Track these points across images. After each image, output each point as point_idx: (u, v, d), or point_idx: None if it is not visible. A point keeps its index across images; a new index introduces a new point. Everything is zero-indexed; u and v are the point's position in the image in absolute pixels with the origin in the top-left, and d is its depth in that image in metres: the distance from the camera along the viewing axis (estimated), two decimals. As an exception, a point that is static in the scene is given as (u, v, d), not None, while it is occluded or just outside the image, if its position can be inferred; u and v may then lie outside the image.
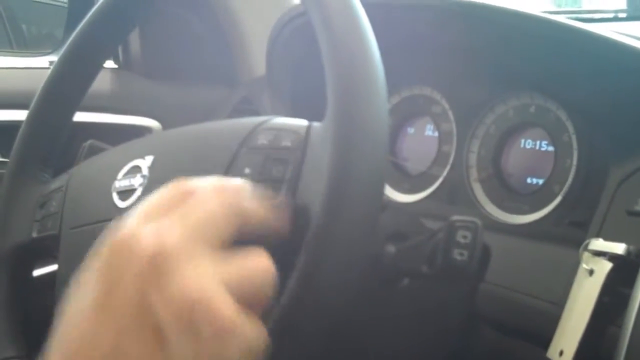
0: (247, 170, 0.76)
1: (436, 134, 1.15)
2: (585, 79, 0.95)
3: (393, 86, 1.18)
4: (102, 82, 1.45)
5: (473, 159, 1.09)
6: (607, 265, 0.82)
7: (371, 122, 0.69)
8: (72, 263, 0.87)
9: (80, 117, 1.07)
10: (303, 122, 0.77)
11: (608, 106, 0.94)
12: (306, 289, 0.69)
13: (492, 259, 0.97)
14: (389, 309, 0.93)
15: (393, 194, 1.17)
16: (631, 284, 0.79)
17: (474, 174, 1.09)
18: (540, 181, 1.03)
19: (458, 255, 0.76)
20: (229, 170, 0.77)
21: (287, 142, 0.75)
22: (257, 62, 1.44)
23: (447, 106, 1.13)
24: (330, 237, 0.68)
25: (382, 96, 0.71)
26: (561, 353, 0.84)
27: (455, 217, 0.77)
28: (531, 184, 1.04)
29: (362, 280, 0.80)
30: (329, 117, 0.71)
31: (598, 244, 0.84)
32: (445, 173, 1.11)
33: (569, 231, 0.94)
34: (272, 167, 0.75)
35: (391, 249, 0.87)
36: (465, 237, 0.76)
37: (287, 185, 0.74)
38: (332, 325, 0.72)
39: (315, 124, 0.76)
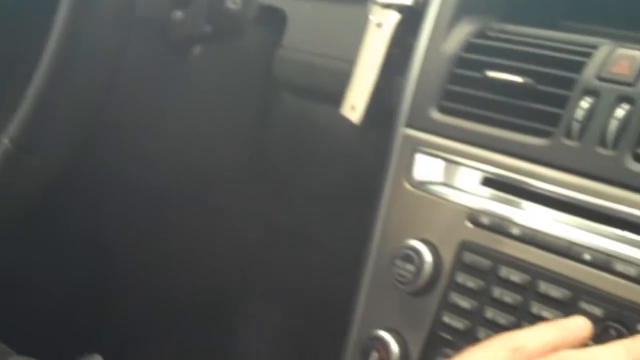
0: None
1: None
2: None
3: None
4: None
5: None
6: (395, 16, 0.82)
7: None
8: None
9: None
10: None
11: None
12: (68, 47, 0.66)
13: (293, 24, 0.96)
14: (183, 79, 0.91)
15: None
16: (417, 35, 0.79)
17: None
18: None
19: (231, 4, 0.74)
20: None
21: None
22: None
23: None
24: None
25: None
26: (353, 107, 0.84)
27: (230, -34, 0.74)
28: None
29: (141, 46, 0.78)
30: None
31: (386, -6, 0.83)
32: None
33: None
34: None
35: (178, 14, 0.84)
36: (239, -11, 0.74)
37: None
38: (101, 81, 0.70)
39: None
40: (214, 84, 0.94)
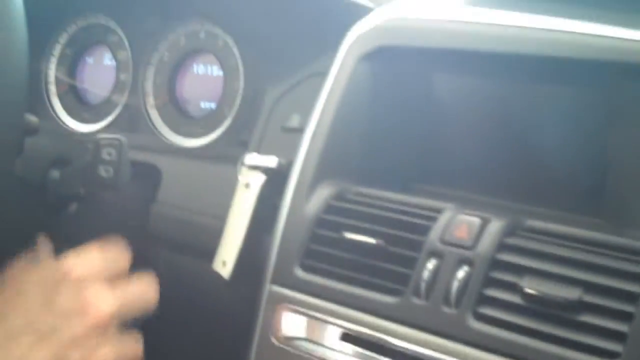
0: None
1: (113, 62, 1.15)
2: (246, 7, 1.00)
3: (68, 16, 1.17)
4: None
5: (149, 86, 1.10)
6: (261, 177, 0.88)
7: (6, 46, 0.69)
8: None
9: None
10: None
11: (265, 31, 0.99)
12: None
13: (167, 181, 1.00)
14: (60, 236, 0.93)
15: (74, 125, 1.16)
16: (282, 194, 0.85)
17: (150, 100, 1.10)
18: (213, 105, 1.06)
19: (103, 172, 0.78)
20: None
21: None
22: None
23: (122, 34, 1.13)
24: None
25: (18, 21, 0.70)
26: (224, 263, 0.88)
27: (101, 136, 0.78)
28: (204, 107, 1.07)
29: (17, 205, 0.80)
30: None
31: (253, 157, 0.89)
32: (123, 101, 1.12)
33: (237, 151, 0.98)
34: None
35: (55, 174, 0.87)
36: (110, 154, 0.78)
37: None
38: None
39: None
40: (90, 239, 0.97)
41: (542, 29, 0.75)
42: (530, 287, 0.66)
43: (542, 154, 0.80)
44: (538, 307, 0.66)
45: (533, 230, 0.70)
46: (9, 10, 0.69)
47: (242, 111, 1.01)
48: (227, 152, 1.00)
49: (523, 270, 0.67)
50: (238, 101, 1.02)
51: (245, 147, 0.97)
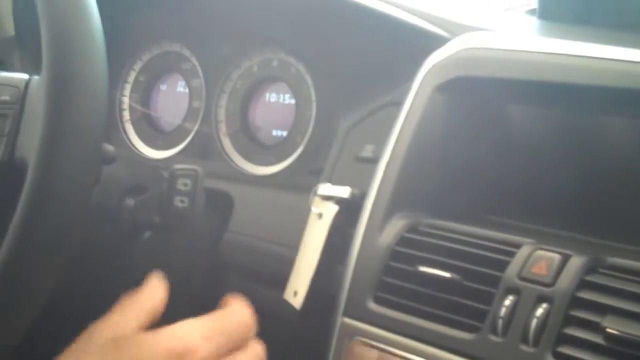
0: (-36, 127, 0.74)
1: (187, 90, 1.16)
2: (321, 35, 1.00)
3: (142, 43, 1.19)
4: None
5: (222, 113, 1.11)
6: (334, 208, 0.87)
7: (86, 73, 0.69)
8: None
9: None
10: (23, 76, 0.76)
11: (339, 60, 0.98)
12: (26, 242, 0.68)
13: (239, 209, 1.01)
14: (132, 263, 0.94)
15: (146, 151, 1.17)
16: (355, 225, 0.84)
17: (222, 128, 1.11)
18: (284, 133, 1.06)
19: (179, 202, 0.79)
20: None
21: (5, 97, 0.75)
22: (6, 22, 1.39)
23: (196, 62, 1.14)
24: (45, 189, 0.67)
25: (99, 48, 0.71)
26: (295, 293, 0.88)
27: (177, 166, 0.79)
28: (276, 135, 1.07)
29: (93, 232, 0.81)
30: (44, 70, 0.71)
31: (326, 188, 0.88)
32: (196, 128, 1.13)
33: (308, 179, 0.98)
34: (-10, 122, 0.74)
35: (130, 202, 0.88)
36: (185, 184, 0.79)
37: (7, 140, 0.73)
38: (57, 278, 0.72)
39: (35, 78, 0.75)
40: (163, 265, 0.98)
41: (621, 60, 0.74)
42: (612, 326, 0.64)
43: (624, 188, 0.78)
44: (620, 347, 0.63)
45: (615, 268, 0.68)
46: (90, 36, 0.70)
47: (313, 140, 1.01)
48: (299, 181, 1.00)
49: (605, 309, 0.65)
50: (310, 130, 1.02)
51: (316, 175, 0.97)
